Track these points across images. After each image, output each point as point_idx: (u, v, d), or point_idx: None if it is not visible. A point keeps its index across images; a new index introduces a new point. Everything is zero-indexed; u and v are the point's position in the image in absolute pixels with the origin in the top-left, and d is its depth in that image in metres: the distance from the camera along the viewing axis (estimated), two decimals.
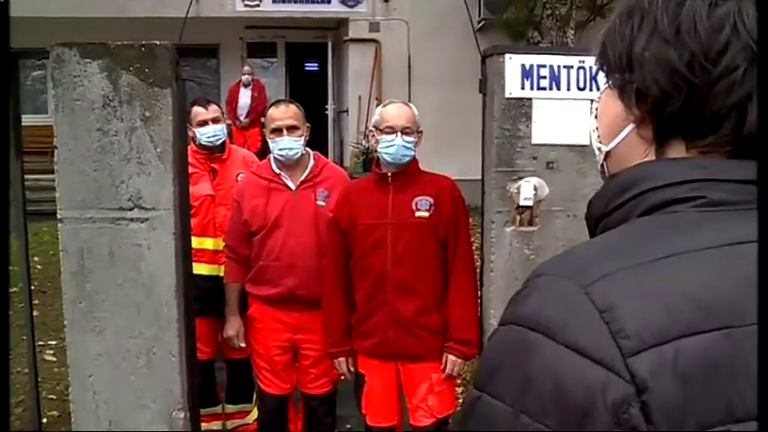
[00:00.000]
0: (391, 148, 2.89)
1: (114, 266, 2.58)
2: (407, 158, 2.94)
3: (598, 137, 0.88)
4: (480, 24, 11.13)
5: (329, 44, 12.27)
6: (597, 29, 8.92)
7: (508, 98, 2.83)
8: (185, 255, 2.68)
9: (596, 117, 0.89)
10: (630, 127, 0.82)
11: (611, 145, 0.85)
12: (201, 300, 3.25)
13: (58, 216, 2.56)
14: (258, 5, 11.19)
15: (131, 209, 2.57)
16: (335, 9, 11.42)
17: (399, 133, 2.90)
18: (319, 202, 3.31)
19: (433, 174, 3.06)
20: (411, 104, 3.08)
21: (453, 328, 2.93)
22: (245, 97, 11.20)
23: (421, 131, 3.02)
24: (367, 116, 11.04)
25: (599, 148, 0.88)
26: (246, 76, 11.14)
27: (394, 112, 2.97)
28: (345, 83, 11.70)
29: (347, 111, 11.46)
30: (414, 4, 11.13)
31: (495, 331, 0.74)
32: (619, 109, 0.82)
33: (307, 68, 14.04)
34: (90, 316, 2.61)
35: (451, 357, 2.93)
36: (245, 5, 11.19)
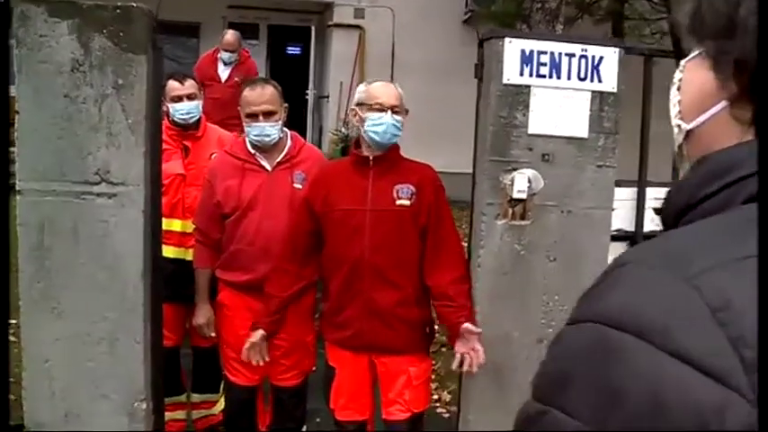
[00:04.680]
0: (380, 126, 2.73)
1: (77, 244, 2.40)
2: (395, 139, 2.79)
3: (679, 112, 0.74)
4: (467, 15, 11.04)
5: (312, 28, 11.99)
6: (586, 26, 8.92)
7: (506, 84, 2.68)
8: (155, 235, 2.51)
9: (678, 89, 0.74)
10: (722, 104, 0.67)
11: (695, 123, 0.70)
12: (167, 284, 3.07)
13: (17, 188, 2.37)
14: None
15: (98, 183, 2.39)
16: None
17: (389, 111, 2.74)
18: (296, 185, 3.16)
19: (415, 162, 2.90)
20: (397, 84, 2.91)
21: (452, 295, 2.69)
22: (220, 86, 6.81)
23: (407, 111, 2.85)
24: (347, 103, 10.83)
25: (678, 126, 0.73)
26: (228, 55, 6.77)
27: (383, 90, 2.81)
28: (327, 69, 11.48)
29: (328, 97, 11.25)
30: None
31: (562, 331, 0.59)
32: (709, 82, 0.69)
33: (288, 52, 13.79)
34: (48, 296, 2.42)
35: (467, 325, 2.62)
36: None
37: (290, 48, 13.73)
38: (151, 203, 2.45)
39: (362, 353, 2.83)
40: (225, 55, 6.93)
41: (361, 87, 2.88)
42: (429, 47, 10.50)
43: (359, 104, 2.82)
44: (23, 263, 2.39)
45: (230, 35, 7.05)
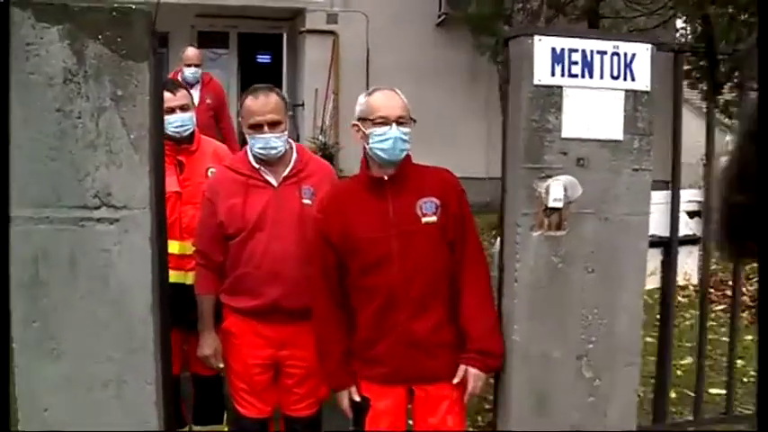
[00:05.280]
0: (386, 141, 2.51)
1: (76, 276, 2.15)
2: (404, 154, 2.56)
3: None
4: (441, 18, 10.99)
5: (284, 35, 11.94)
6: (562, 25, 8.84)
7: (537, 85, 2.49)
8: (162, 263, 2.27)
9: None
10: None
11: None
12: None
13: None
14: None
15: (98, 207, 2.15)
16: None
17: (394, 124, 2.52)
18: (305, 201, 2.93)
19: (431, 167, 2.68)
20: (398, 91, 2.66)
21: (474, 336, 2.57)
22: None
23: (414, 120, 2.63)
24: (323, 110, 10.79)
25: None
26: (192, 70, 6.31)
27: (385, 100, 2.58)
28: (301, 76, 11.35)
29: (303, 104, 11.08)
30: None
31: None
32: None
33: (258, 60, 13.56)
34: (46, 336, 2.17)
35: (473, 371, 2.57)
36: None
37: (259, 56, 13.51)
38: (157, 227, 2.20)
39: (401, 385, 2.61)
40: (188, 72, 6.26)
41: (361, 99, 2.64)
42: (404, 51, 10.48)
43: (360, 119, 2.59)
44: (16, 300, 2.12)
45: (191, 50, 6.46)
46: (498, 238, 3.25)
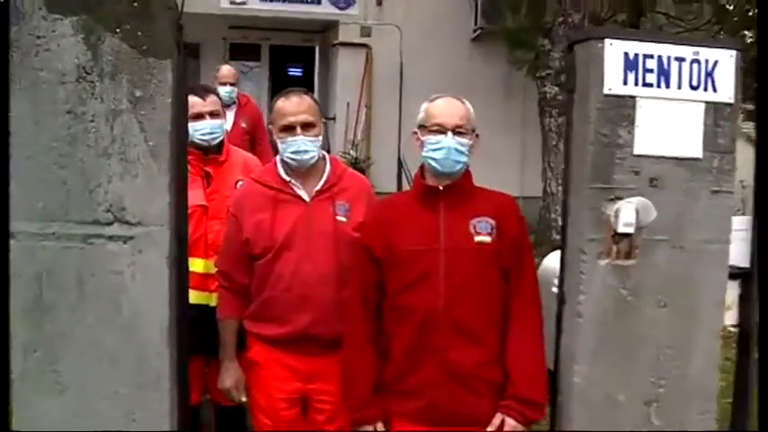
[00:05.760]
0: (439, 151, 2.34)
1: (84, 301, 1.93)
2: (459, 166, 2.37)
3: None
4: (476, 33, 10.86)
5: (316, 48, 11.83)
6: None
7: (607, 95, 2.22)
8: (181, 287, 2.03)
9: None
10: None
11: None
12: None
13: (10, 230, 1.88)
14: (245, 3, 10.66)
15: (110, 223, 1.93)
16: (326, 10, 10.94)
17: (450, 133, 2.34)
18: (339, 218, 2.72)
19: (491, 190, 2.51)
20: (465, 100, 2.46)
21: (515, 380, 2.33)
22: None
23: (477, 134, 2.42)
24: (355, 124, 10.71)
25: None
26: (228, 89, 5.86)
27: (444, 107, 2.41)
28: (332, 89, 11.31)
29: (334, 118, 10.97)
30: (406, 10, 10.77)
31: None
32: None
33: (290, 73, 13.50)
34: (48, 368, 1.95)
35: (510, 421, 2.32)
36: (231, 3, 10.62)
37: (291, 69, 13.47)
38: (177, 247, 1.96)
39: (438, 426, 2.33)
40: (223, 91, 5.72)
41: (423, 106, 2.49)
42: (437, 65, 10.36)
43: (419, 126, 2.44)
44: (16, 326, 1.90)
45: (226, 68, 6.11)
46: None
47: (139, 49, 1.88)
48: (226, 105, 5.63)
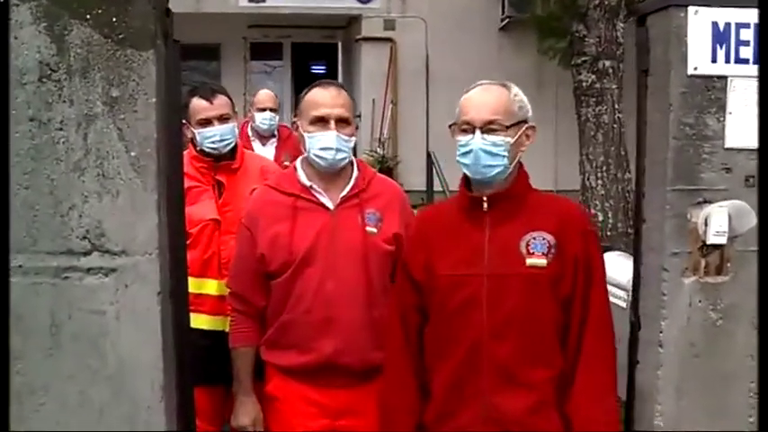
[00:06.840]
0: (467, 156, 1.99)
1: (60, 348, 1.65)
2: (495, 171, 1.99)
3: None
4: (504, 22, 10.59)
5: (339, 44, 11.74)
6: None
7: (692, 76, 1.86)
8: (180, 326, 1.70)
9: None
10: None
11: None
12: (200, 363, 2.40)
13: None
14: (264, 0, 10.56)
15: (88, 252, 1.65)
16: (348, 5, 10.81)
17: (478, 131, 1.98)
18: (369, 228, 2.42)
19: (551, 195, 2.17)
20: (510, 85, 2.10)
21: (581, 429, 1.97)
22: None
23: (526, 124, 2.04)
24: (381, 120, 10.54)
25: None
26: (268, 116, 5.17)
27: (474, 99, 2.04)
28: (357, 85, 11.13)
29: (359, 115, 10.81)
30: (431, 1, 10.58)
31: None
32: None
33: (313, 71, 13.44)
34: (21, 426, 1.63)
35: None
36: (250, 0, 10.51)
37: (314, 66, 13.46)
38: (171, 278, 1.63)
39: None
40: (260, 118, 5.10)
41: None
42: (465, 57, 10.10)
43: (454, 124, 2.09)
44: None
45: (265, 92, 5.35)
46: None
47: (115, 39, 1.58)
48: (263, 137, 5.24)
